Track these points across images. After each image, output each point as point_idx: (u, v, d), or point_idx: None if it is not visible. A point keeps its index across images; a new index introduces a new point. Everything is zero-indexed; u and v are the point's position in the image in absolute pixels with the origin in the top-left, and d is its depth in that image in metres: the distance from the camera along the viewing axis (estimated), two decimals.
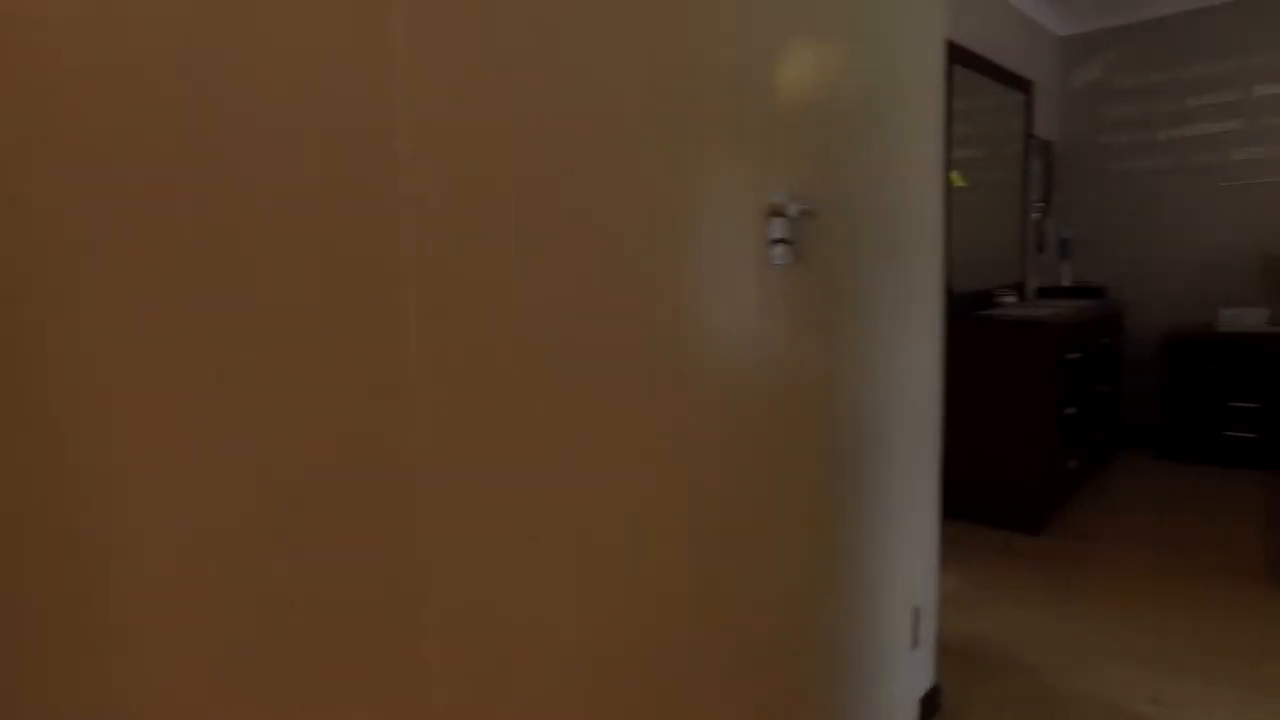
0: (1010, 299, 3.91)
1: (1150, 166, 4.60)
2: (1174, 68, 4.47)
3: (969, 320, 3.45)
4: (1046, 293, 4.67)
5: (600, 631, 1.00)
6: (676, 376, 1.11)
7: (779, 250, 1.31)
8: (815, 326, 1.44)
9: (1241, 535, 3.19)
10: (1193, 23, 4.40)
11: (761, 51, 1.27)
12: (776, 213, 1.34)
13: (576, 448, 0.96)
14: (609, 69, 0.99)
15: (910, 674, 1.88)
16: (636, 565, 1.06)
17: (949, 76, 3.48)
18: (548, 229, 0.91)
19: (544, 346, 0.91)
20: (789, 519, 1.39)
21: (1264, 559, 2.95)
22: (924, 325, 1.86)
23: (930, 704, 2.00)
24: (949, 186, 3.54)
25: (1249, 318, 4.24)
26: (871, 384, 1.63)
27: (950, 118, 3.50)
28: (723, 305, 1.20)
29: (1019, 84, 4.23)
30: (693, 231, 1.13)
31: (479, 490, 0.85)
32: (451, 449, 0.82)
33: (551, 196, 0.92)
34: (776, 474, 1.35)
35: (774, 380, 1.33)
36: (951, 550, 3.10)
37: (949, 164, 3.55)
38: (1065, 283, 4.73)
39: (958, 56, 3.53)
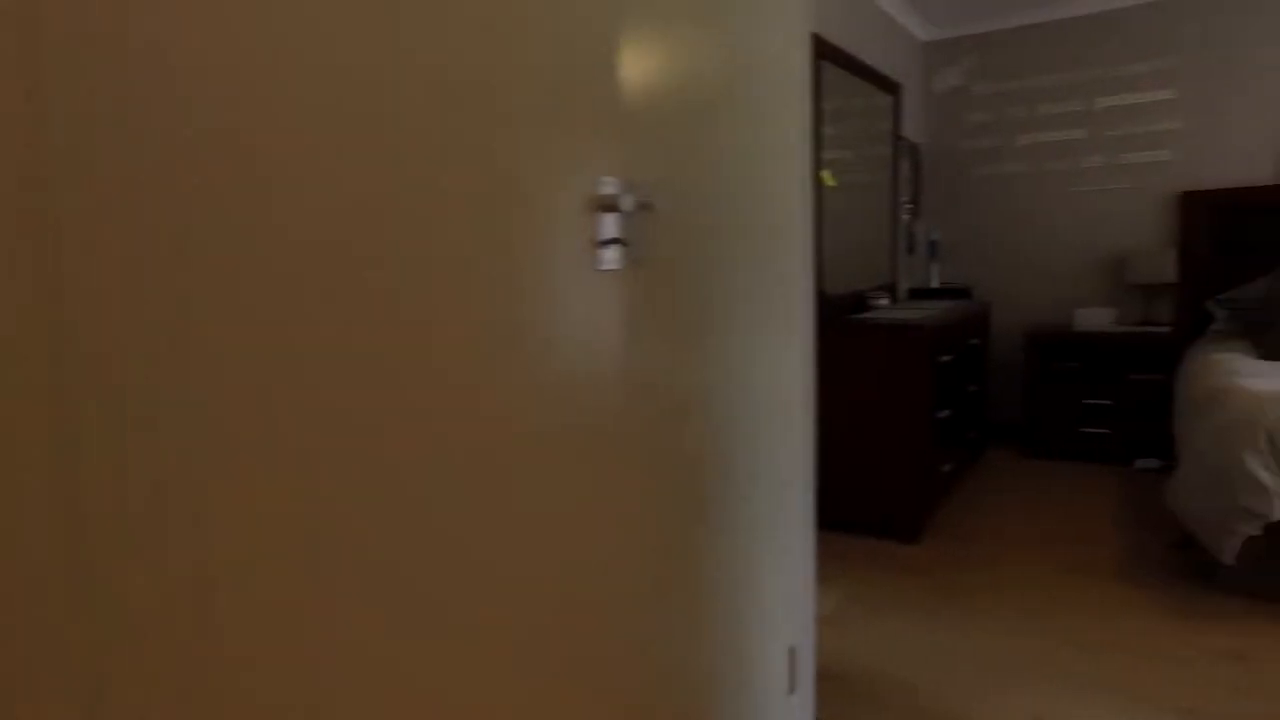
0: (883, 301, 3.89)
1: (1009, 171, 4.73)
2: (1027, 76, 4.61)
3: (842, 324, 3.38)
4: (917, 294, 4.72)
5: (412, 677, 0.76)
6: (477, 411, 0.88)
7: (610, 253, 1.10)
8: (661, 336, 1.24)
9: (1099, 534, 3.26)
10: (1042, 35, 4.55)
11: (592, 19, 1.05)
12: (608, 207, 1.13)
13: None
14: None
15: None
16: (440, 617, 0.82)
17: (817, 71, 3.42)
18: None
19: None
20: (638, 559, 1.18)
21: (1118, 559, 3.00)
22: (791, 330, 1.70)
23: None
24: (819, 186, 3.47)
25: (1099, 318, 4.41)
26: (734, 398, 1.45)
27: (820, 116, 3.43)
28: (533, 321, 0.97)
29: (887, 85, 4.23)
30: (487, 228, 0.90)
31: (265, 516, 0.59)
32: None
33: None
34: (620, 508, 1.14)
35: (610, 402, 1.12)
36: (829, 566, 3.00)
37: (819, 163, 3.48)
38: (934, 284, 4.80)
39: (826, 52, 3.47)
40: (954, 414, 3.66)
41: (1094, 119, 4.46)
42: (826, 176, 3.56)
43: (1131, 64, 4.35)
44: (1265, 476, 2.49)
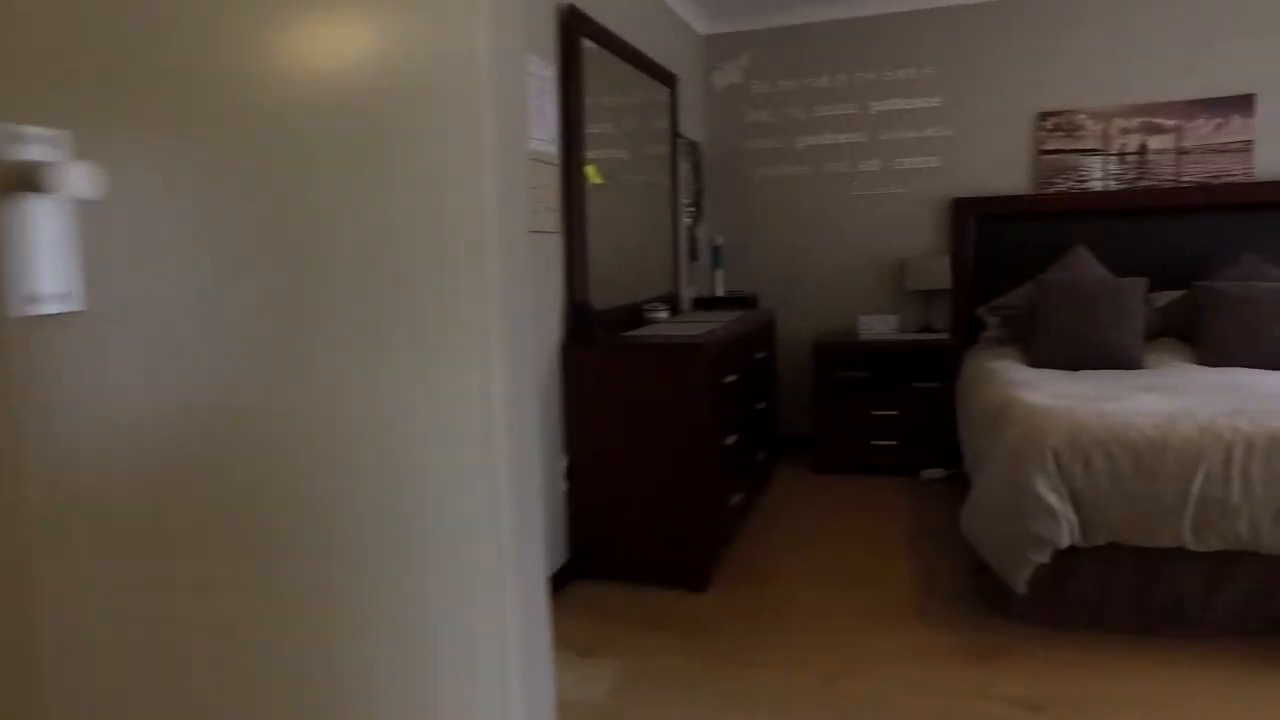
0: (662, 314, 3.51)
1: (791, 173, 4.55)
2: (805, 76, 4.45)
3: (613, 343, 2.93)
4: (703, 304, 4.42)
5: None
6: None
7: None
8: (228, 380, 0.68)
9: (896, 563, 3.05)
10: (818, 35, 4.41)
11: None
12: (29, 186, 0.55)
13: None
14: None
15: None
16: None
17: (572, 47, 2.95)
18: None
19: None
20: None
21: (916, 595, 2.78)
22: (469, 353, 1.19)
23: None
24: (583, 184, 3.01)
25: (882, 325, 4.32)
26: (362, 444, 0.91)
27: (579, 101, 2.97)
28: None
29: (663, 77, 3.87)
30: None
31: None
32: None
33: None
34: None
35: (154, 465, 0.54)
36: (603, 630, 2.53)
37: (581, 158, 3.01)
38: (719, 292, 4.53)
39: (589, 30, 3.01)
40: (742, 437, 3.34)
41: (870, 123, 4.37)
42: (592, 173, 3.10)
43: (899, 70, 4.30)
44: (1054, 500, 2.32)
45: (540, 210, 2.78)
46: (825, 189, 4.50)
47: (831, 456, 4.19)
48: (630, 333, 3.15)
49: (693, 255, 4.47)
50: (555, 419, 2.95)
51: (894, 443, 4.07)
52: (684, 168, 4.27)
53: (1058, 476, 2.33)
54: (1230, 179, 3.93)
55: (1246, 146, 3.91)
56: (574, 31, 2.92)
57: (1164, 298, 3.79)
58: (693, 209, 4.44)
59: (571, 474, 2.97)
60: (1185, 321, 3.57)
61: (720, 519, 3.00)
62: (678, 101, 4.05)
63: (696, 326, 3.22)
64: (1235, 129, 3.91)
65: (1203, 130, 3.94)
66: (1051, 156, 4.12)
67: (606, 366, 2.88)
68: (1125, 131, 4.03)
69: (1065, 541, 2.32)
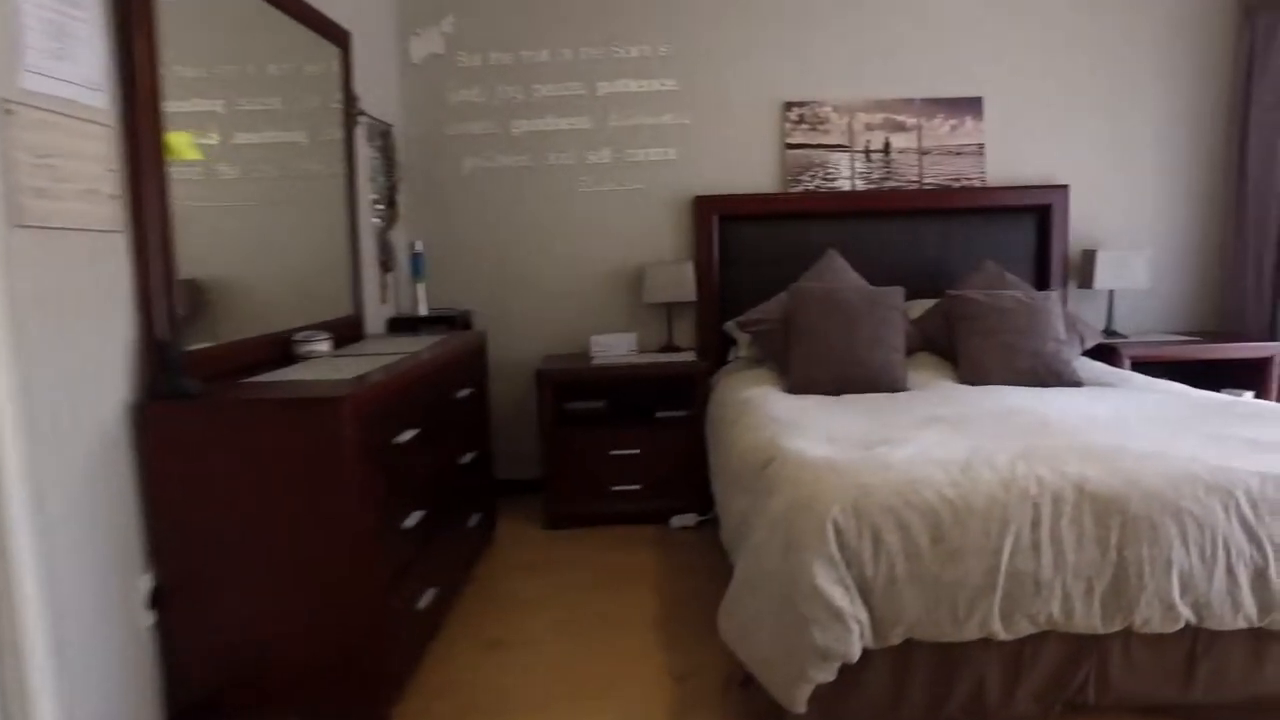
0: (323, 346, 2.53)
1: (507, 164, 3.74)
2: (520, 49, 3.68)
3: (215, 401, 1.92)
4: (403, 325, 3.48)
5: None
6: None
7: None
8: None
9: (642, 665, 2.34)
10: (535, 3, 3.65)
11: None
12: None
13: None
14: None
15: None
16: None
17: None
18: None
19: None
20: None
21: (669, 712, 2.08)
22: None
23: None
24: (163, 162, 1.98)
25: (619, 345, 3.65)
26: None
27: (151, 30, 1.92)
28: None
29: (330, 32, 2.89)
30: None
31: None
32: None
33: None
34: None
35: None
36: None
37: (159, 121, 1.98)
38: (423, 310, 3.61)
39: None
40: (435, 510, 2.46)
41: (599, 106, 3.69)
42: (181, 145, 2.07)
43: (630, 46, 3.66)
44: (838, 596, 1.70)
45: (68, 194, 1.72)
46: (549, 183, 3.75)
47: (565, 508, 3.43)
48: (259, 378, 2.15)
49: (385, 266, 3.51)
50: (129, 518, 1.88)
51: (637, 486, 3.40)
52: (367, 154, 3.31)
53: (842, 562, 1.71)
54: (968, 182, 3.72)
55: (979, 150, 3.72)
56: None
57: (916, 307, 3.47)
58: (384, 208, 3.48)
59: (161, 598, 1.93)
60: (940, 334, 3.24)
61: (402, 630, 2.10)
62: (352, 68, 3.07)
63: (360, 364, 2.30)
64: (969, 131, 3.71)
65: (940, 131, 3.70)
66: (798, 151, 3.69)
67: (209, 434, 1.88)
68: (870, 128, 3.69)
69: (856, 652, 1.70)
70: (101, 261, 1.83)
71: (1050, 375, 2.93)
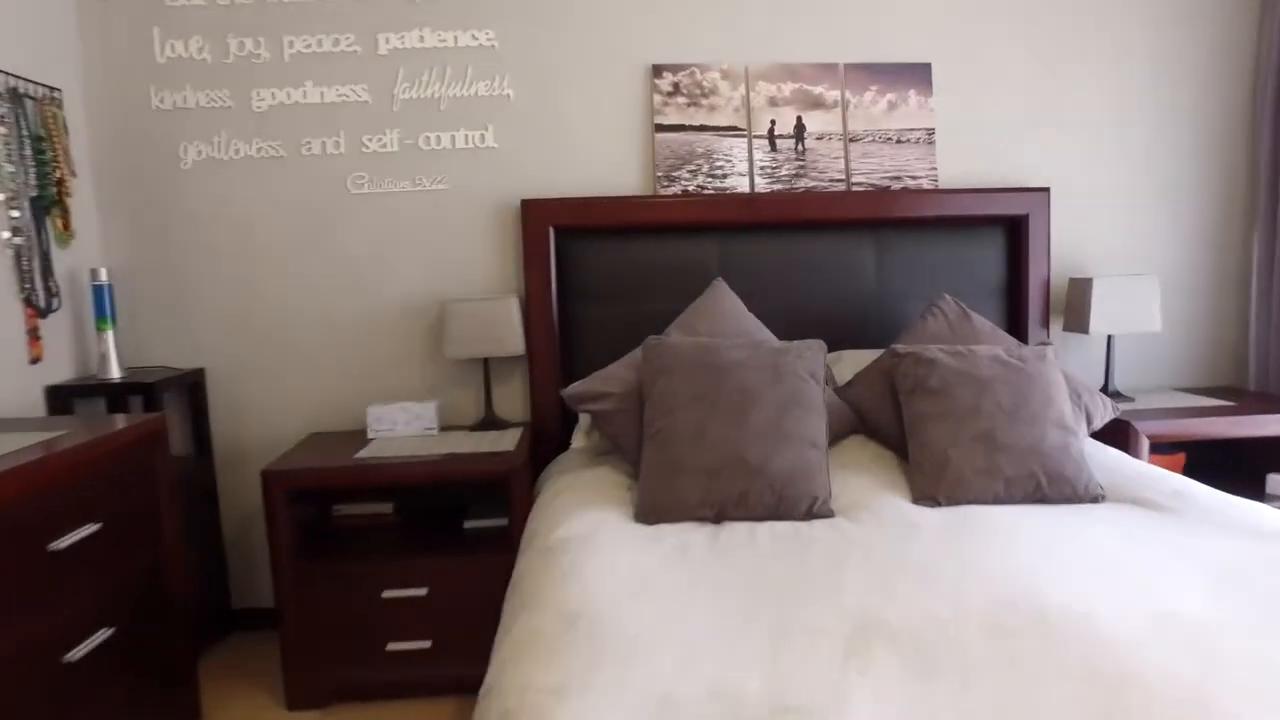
0: None
1: (248, 154, 2.54)
2: None
3: None
4: (72, 395, 2.26)
5: None
6: None
7: None
8: None
9: None
10: None
11: None
12: None
13: None
14: None
15: None
16: None
17: None
18: None
19: None
20: None
21: None
22: None
23: None
24: None
25: (409, 421, 2.47)
26: None
27: None
28: None
29: None
30: None
31: None
32: None
33: None
34: None
35: None
36: None
37: None
38: (114, 372, 2.38)
39: None
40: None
41: (382, 70, 2.52)
42: None
43: None
44: None
45: None
46: (309, 181, 2.56)
47: (319, 677, 2.23)
48: None
49: (47, 303, 2.28)
50: None
51: (426, 644, 2.22)
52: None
53: None
54: (913, 182, 2.64)
55: (928, 137, 2.65)
56: None
57: (845, 363, 2.38)
58: (27, 215, 2.25)
59: None
60: (882, 409, 2.13)
61: None
62: None
63: None
64: (912, 112, 2.64)
65: (874, 110, 2.61)
66: (673, 136, 2.56)
67: None
68: (775, 102, 2.58)
69: None
70: None
71: (1057, 487, 1.85)
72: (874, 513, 1.78)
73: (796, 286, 2.59)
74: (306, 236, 2.56)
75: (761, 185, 2.58)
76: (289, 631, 2.21)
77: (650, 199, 2.51)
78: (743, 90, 2.55)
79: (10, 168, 2.18)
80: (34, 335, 2.26)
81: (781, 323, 2.51)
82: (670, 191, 2.56)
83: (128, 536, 1.86)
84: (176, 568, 2.04)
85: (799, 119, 2.57)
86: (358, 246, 2.57)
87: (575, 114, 2.56)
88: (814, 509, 1.81)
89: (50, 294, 2.31)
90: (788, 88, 2.56)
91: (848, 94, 2.58)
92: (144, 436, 1.94)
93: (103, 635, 1.74)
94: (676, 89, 2.54)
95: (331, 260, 2.58)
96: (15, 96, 2.20)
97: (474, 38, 2.49)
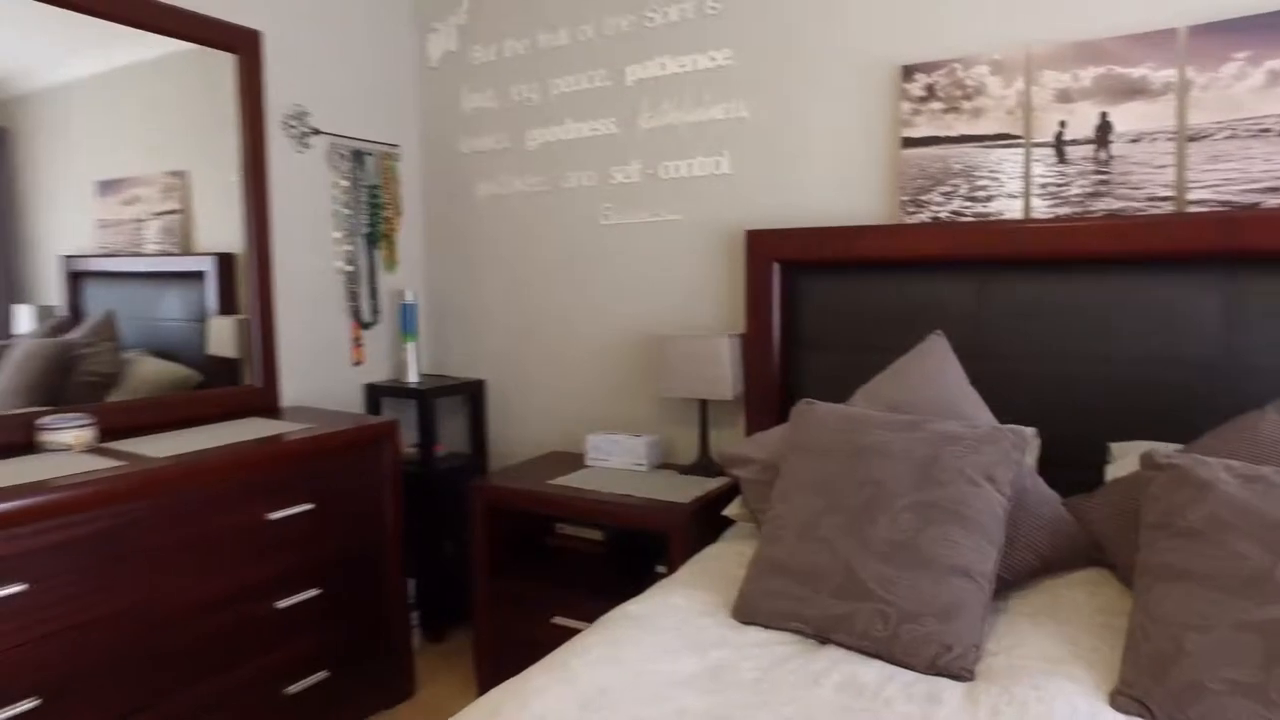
0: (67, 437, 1.92)
1: (521, 189, 2.79)
2: (537, 30, 2.69)
3: None
4: (385, 394, 2.78)
5: None
6: None
7: None
8: None
9: None
10: None
11: None
12: None
13: None
14: None
15: None
16: None
17: None
18: None
19: None
20: None
21: None
22: None
23: None
24: None
25: (622, 453, 2.46)
26: None
27: None
28: None
29: (220, 35, 2.31)
30: None
31: None
32: None
33: None
34: None
35: None
36: None
37: None
38: (412, 377, 2.85)
39: None
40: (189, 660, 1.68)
41: (627, 100, 2.54)
42: None
43: (667, 6, 2.44)
44: None
45: None
46: (566, 213, 2.71)
47: (499, 676, 2.37)
48: None
49: (360, 318, 2.82)
50: None
51: None
52: (327, 181, 2.66)
53: None
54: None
55: None
56: None
57: (1127, 465, 1.70)
58: (357, 248, 2.80)
59: None
60: (1126, 548, 1.47)
61: None
62: (260, 69, 2.44)
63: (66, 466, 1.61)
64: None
65: (1239, 90, 1.78)
66: (924, 151, 2.09)
67: None
68: (1066, 97, 1.93)
69: None
70: None
71: None
72: (1035, 696, 1.22)
73: (1081, 344, 1.91)
74: (564, 267, 2.72)
75: (1040, 208, 1.95)
76: (480, 632, 2.39)
77: (889, 229, 2.08)
78: (1020, 85, 1.96)
79: (347, 212, 2.74)
80: (357, 343, 2.81)
81: (1047, 396, 1.88)
82: (917, 218, 2.09)
83: (342, 518, 2.20)
84: (394, 552, 2.35)
85: (1103, 116, 1.88)
86: (601, 277, 2.64)
87: (810, 132, 2.25)
88: (943, 662, 1.32)
89: (373, 311, 2.85)
90: (1087, 74, 1.89)
91: (1190, 71, 1.80)
92: (372, 437, 2.28)
93: (309, 593, 2.10)
94: (930, 93, 2.06)
95: (582, 290, 2.69)
96: (357, 156, 2.75)
97: (711, 59, 2.36)
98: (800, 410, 1.72)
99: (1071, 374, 1.91)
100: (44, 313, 2.09)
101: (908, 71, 2.09)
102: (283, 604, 2.04)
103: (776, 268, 2.25)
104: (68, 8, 2.03)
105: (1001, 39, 1.99)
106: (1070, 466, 1.91)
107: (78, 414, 1.97)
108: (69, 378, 2.12)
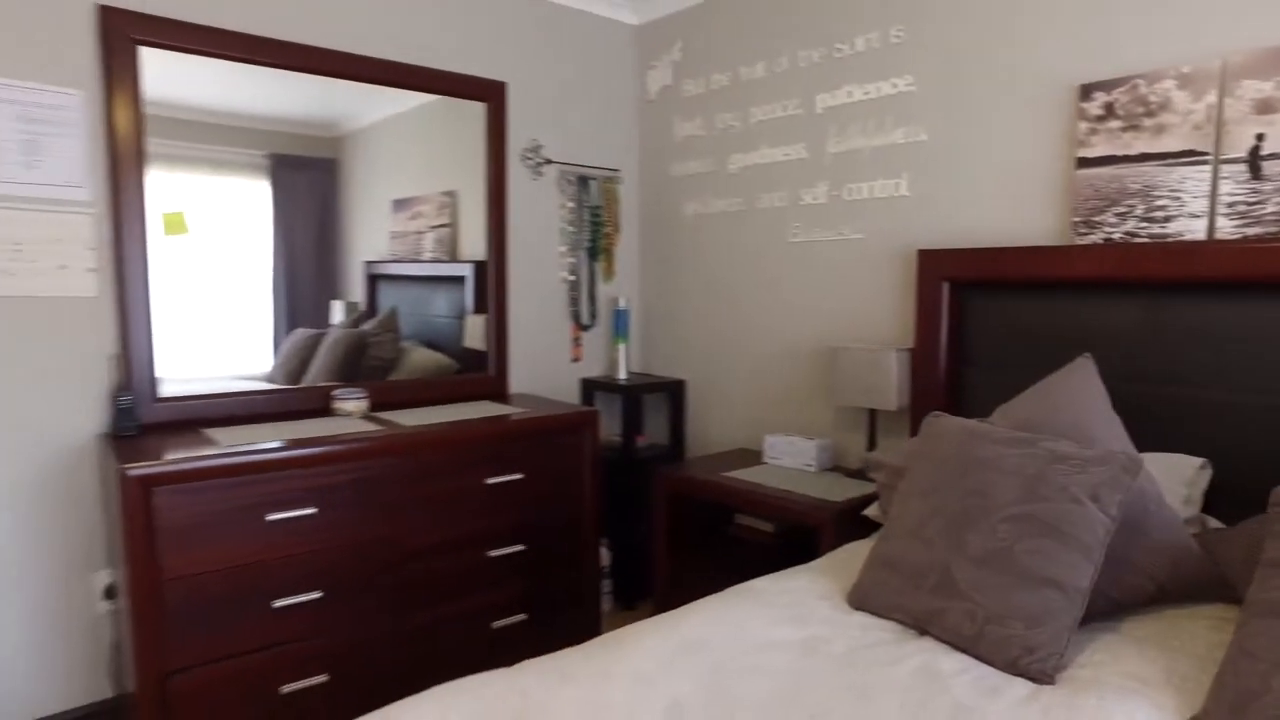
0: (351, 405, 2.54)
1: (721, 209, 3.07)
2: (739, 64, 2.96)
3: (139, 439, 2.14)
4: (598, 389, 3.23)
5: None
6: None
7: None
8: None
9: None
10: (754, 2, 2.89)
11: None
12: None
13: None
14: None
15: None
16: None
17: (121, 64, 2.07)
18: None
19: None
20: None
21: None
22: None
23: None
24: (144, 239, 2.28)
25: (793, 454, 2.66)
26: None
27: (139, 132, 2.21)
28: None
29: (474, 88, 2.87)
30: None
31: None
32: None
33: None
34: None
35: None
36: None
37: (143, 205, 2.28)
38: (621, 374, 3.25)
39: (145, 31, 2.25)
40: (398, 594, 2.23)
41: (817, 127, 2.72)
42: (174, 221, 2.35)
43: (855, 36, 2.58)
44: None
45: (33, 271, 2.16)
46: (758, 232, 2.94)
47: None
48: (232, 428, 2.30)
49: (582, 319, 3.28)
50: (89, 529, 2.29)
51: None
52: (555, 203, 3.14)
53: None
54: None
55: None
56: (120, 38, 2.22)
57: None
58: (578, 260, 3.25)
59: (115, 593, 2.29)
60: (1247, 586, 1.43)
61: None
62: (504, 114, 2.96)
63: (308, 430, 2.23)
64: None
65: None
66: (1099, 171, 2.06)
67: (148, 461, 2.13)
68: (1267, 107, 1.81)
69: None
70: (80, 324, 2.24)
71: None
72: (1095, 705, 1.29)
73: (1267, 374, 1.79)
74: (755, 280, 2.96)
75: (1226, 228, 1.85)
76: (659, 603, 2.71)
77: (1057, 250, 2.08)
78: (1211, 98, 1.87)
79: (572, 229, 3.21)
80: (576, 343, 3.27)
81: (1227, 427, 1.80)
82: (1089, 239, 2.07)
83: (547, 489, 2.63)
84: (590, 523, 2.74)
85: None
86: (787, 290, 2.85)
87: (985, 154, 2.28)
88: (1023, 664, 1.40)
89: (591, 315, 3.29)
90: None
91: None
92: (577, 424, 2.69)
93: (516, 548, 2.56)
94: (1109, 111, 2.02)
95: (770, 301, 2.91)
96: (582, 181, 3.21)
97: (894, 85, 2.47)
98: (928, 422, 1.83)
99: (1254, 405, 1.80)
100: (350, 307, 2.74)
101: (1085, 90, 2.06)
102: (493, 554, 2.51)
103: (946, 286, 2.32)
104: (373, 83, 2.66)
105: (1192, 50, 1.91)
106: (1248, 502, 1.80)
107: (358, 388, 2.58)
108: (361, 360, 2.76)
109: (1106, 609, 1.58)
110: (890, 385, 2.39)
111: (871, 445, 2.50)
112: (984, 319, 2.29)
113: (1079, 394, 1.78)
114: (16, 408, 2.15)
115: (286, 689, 2.10)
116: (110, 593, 2.31)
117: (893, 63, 2.47)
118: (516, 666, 1.44)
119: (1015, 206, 2.23)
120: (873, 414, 2.51)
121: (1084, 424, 1.72)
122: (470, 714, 1.27)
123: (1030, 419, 1.77)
